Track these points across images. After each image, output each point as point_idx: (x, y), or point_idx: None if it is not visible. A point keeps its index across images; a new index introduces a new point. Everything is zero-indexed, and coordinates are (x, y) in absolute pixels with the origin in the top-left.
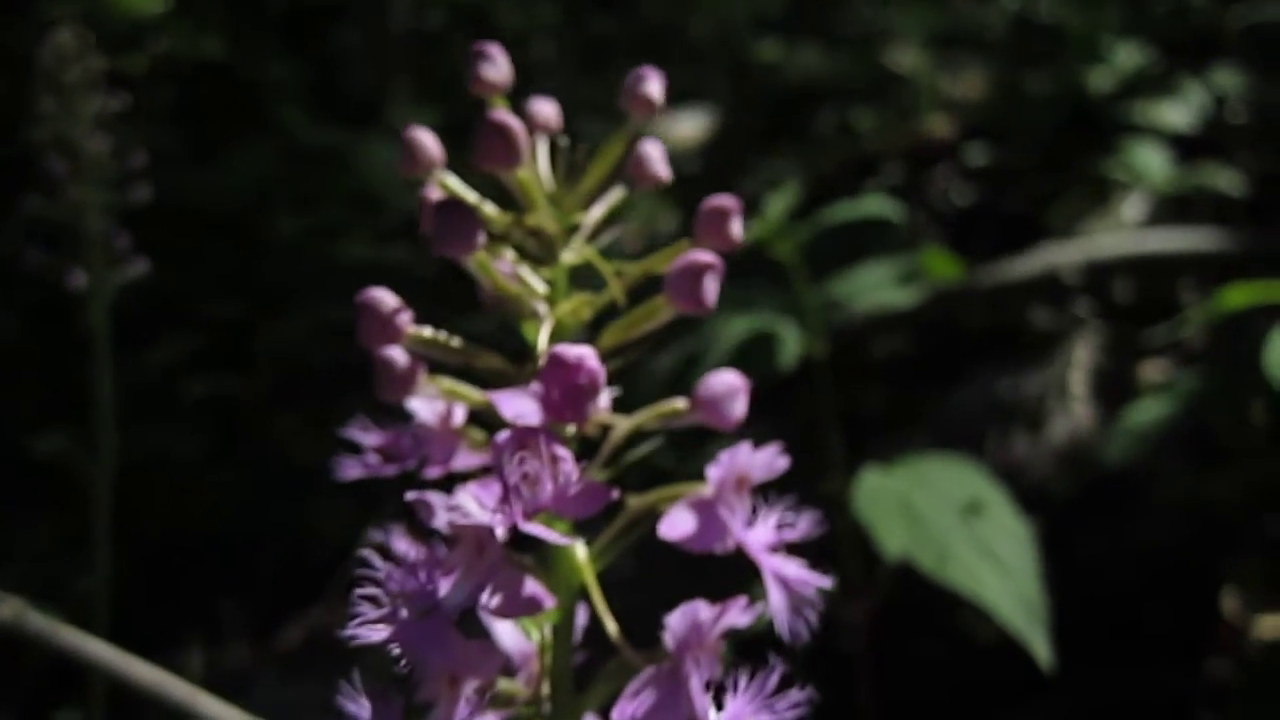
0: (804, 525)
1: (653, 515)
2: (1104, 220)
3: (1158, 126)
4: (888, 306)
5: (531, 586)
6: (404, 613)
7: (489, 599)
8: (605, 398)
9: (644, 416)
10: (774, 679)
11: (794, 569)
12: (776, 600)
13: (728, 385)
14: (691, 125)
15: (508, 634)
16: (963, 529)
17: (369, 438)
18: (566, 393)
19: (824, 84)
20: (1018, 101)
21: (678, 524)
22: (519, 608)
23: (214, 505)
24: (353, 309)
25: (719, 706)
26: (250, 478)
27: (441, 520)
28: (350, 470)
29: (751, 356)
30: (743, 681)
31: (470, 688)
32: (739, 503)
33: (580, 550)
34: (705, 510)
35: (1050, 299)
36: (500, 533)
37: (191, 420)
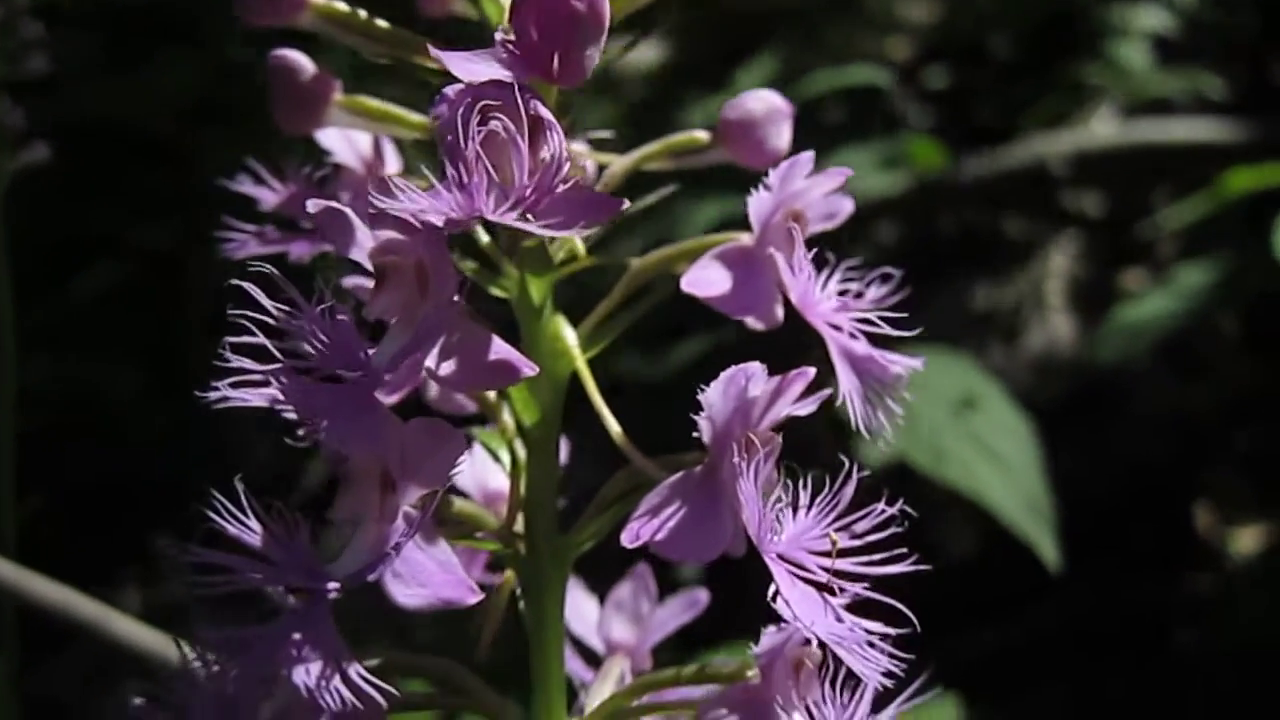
0: (877, 293)
1: (668, 279)
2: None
3: (1135, 29)
4: (869, 193)
5: (501, 348)
6: (308, 377)
7: (438, 361)
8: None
9: (650, 150)
10: (849, 490)
11: (864, 346)
12: (848, 384)
13: (766, 107)
14: (644, 53)
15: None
16: (958, 425)
17: (264, 192)
18: (550, 25)
19: (780, 8)
20: (978, 13)
21: (707, 279)
22: (482, 375)
23: (148, 441)
24: None
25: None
26: (184, 413)
27: (362, 241)
28: (237, 251)
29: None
30: (805, 494)
31: (410, 497)
32: (789, 253)
33: (566, 329)
34: (744, 262)
35: (1037, 193)
36: (446, 230)
37: (121, 354)
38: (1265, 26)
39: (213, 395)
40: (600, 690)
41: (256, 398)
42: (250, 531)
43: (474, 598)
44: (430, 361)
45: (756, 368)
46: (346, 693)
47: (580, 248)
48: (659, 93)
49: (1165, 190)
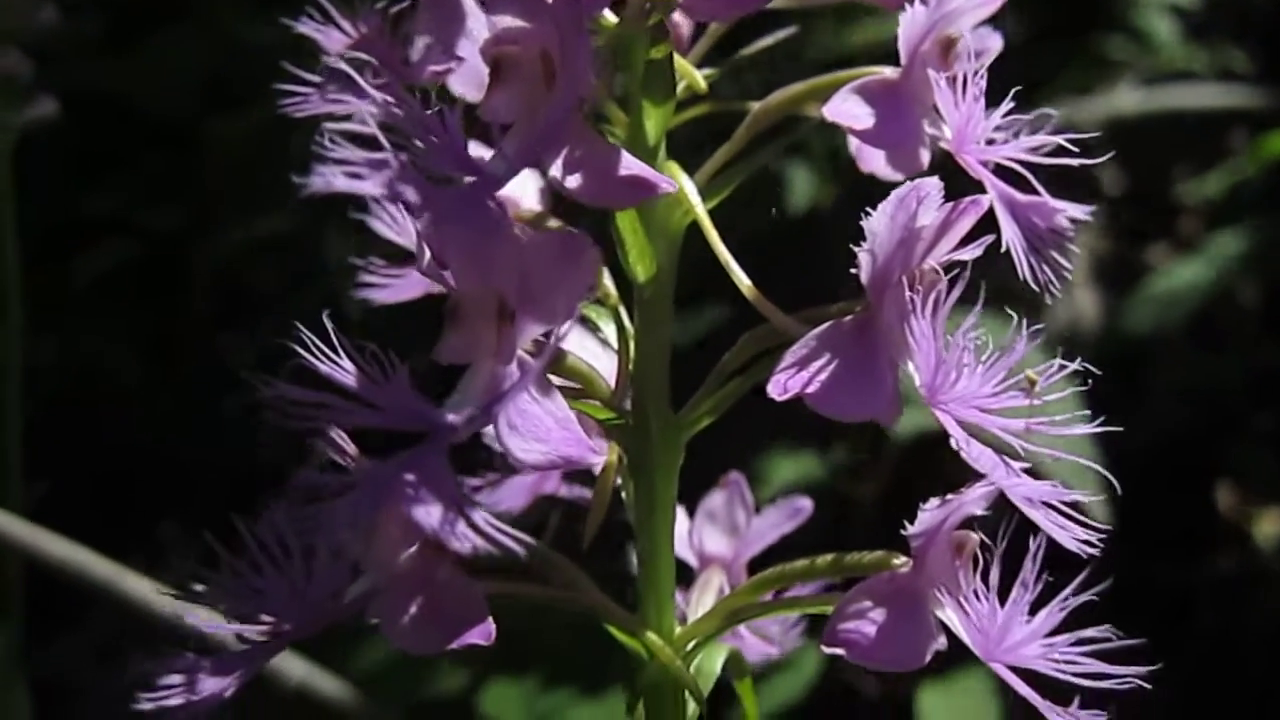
0: (1040, 140)
1: (796, 121)
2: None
3: (1157, 2)
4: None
5: (634, 163)
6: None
7: (563, 172)
8: None
9: None
10: (1021, 346)
11: (1026, 197)
12: (1010, 232)
13: None
14: None
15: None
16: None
17: (331, 34)
18: None
19: None
20: None
21: (849, 110)
22: (613, 189)
23: (154, 425)
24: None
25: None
26: (192, 398)
27: (474, 31)
28: (298, 109)
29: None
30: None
31: (529, 333)
32: (940, 81)
33: (682, 175)
34: (888, 95)
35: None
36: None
37: (126, 336)
38: None
39: (311, 181)
40: (702, 600)
41: (359, 186)
42: (344, 371)
43: (597, 458)
44: (555, 170)
45: (932, 185)
46: (474, 536)
47: (701, 82)
48: None
49: (1188, 165)
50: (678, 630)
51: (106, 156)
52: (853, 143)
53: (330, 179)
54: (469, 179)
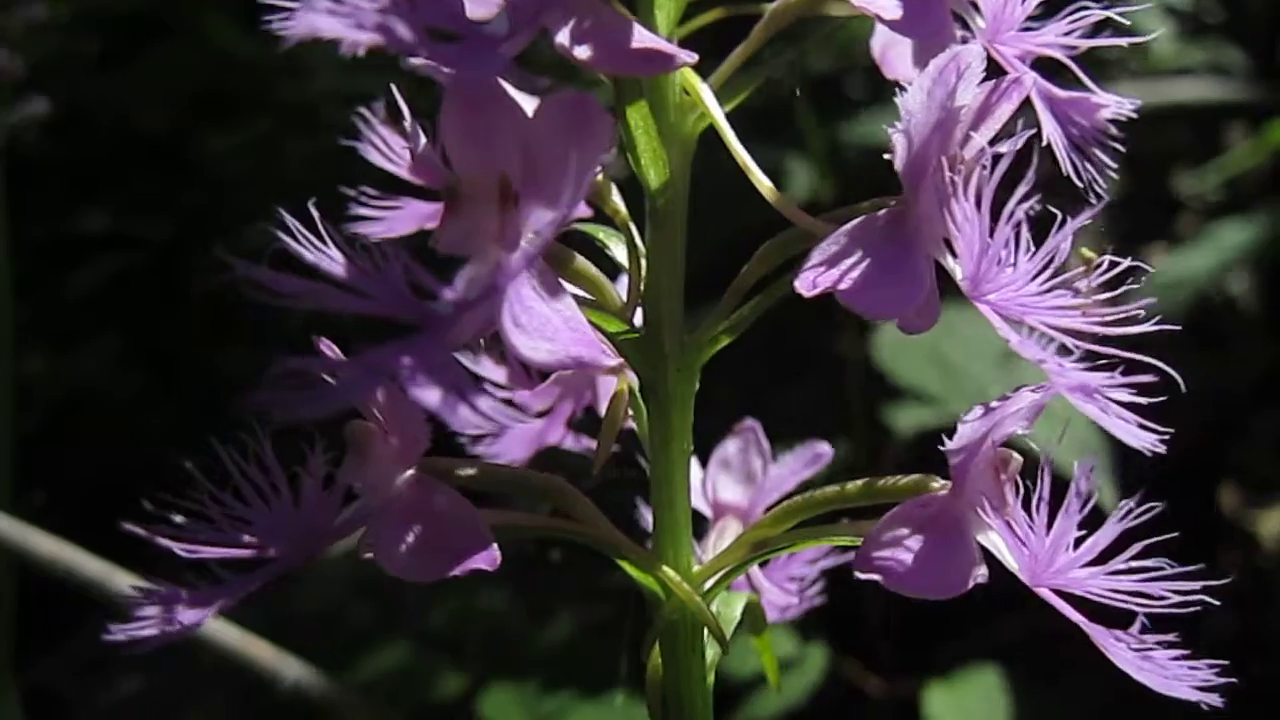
0: (1071, 39)
1: (818, 20)
2: None
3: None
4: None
5: (648, 35)
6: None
7: (570, 38)
8: None
9: None
10: (1064, 241)
11: (1067, 92)
12: (1050, 128)
13: None
14: None
15: None
16: (1002, 376)
17: None
18: None
19: None
20: None
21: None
22: (627, 59)
23: (147, 439)
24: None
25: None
26: (187, 414)
27: None
28: None
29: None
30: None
31: (536, 220)
32: None
33: (695, 79)
34: None
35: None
36: None
37: (121, 352)
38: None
39: (292, 23)
40: (718, 545)
41: (348, 30)
42: (332, 260)
43: (609, 360)
44: (563, 38)
45: (975, 54)
46: (475, 417)
47: None
48: None
49: (1185, 163)
50: (695, 568)
51: (99, 172)
52: (876, 47)
53: (314, 19)
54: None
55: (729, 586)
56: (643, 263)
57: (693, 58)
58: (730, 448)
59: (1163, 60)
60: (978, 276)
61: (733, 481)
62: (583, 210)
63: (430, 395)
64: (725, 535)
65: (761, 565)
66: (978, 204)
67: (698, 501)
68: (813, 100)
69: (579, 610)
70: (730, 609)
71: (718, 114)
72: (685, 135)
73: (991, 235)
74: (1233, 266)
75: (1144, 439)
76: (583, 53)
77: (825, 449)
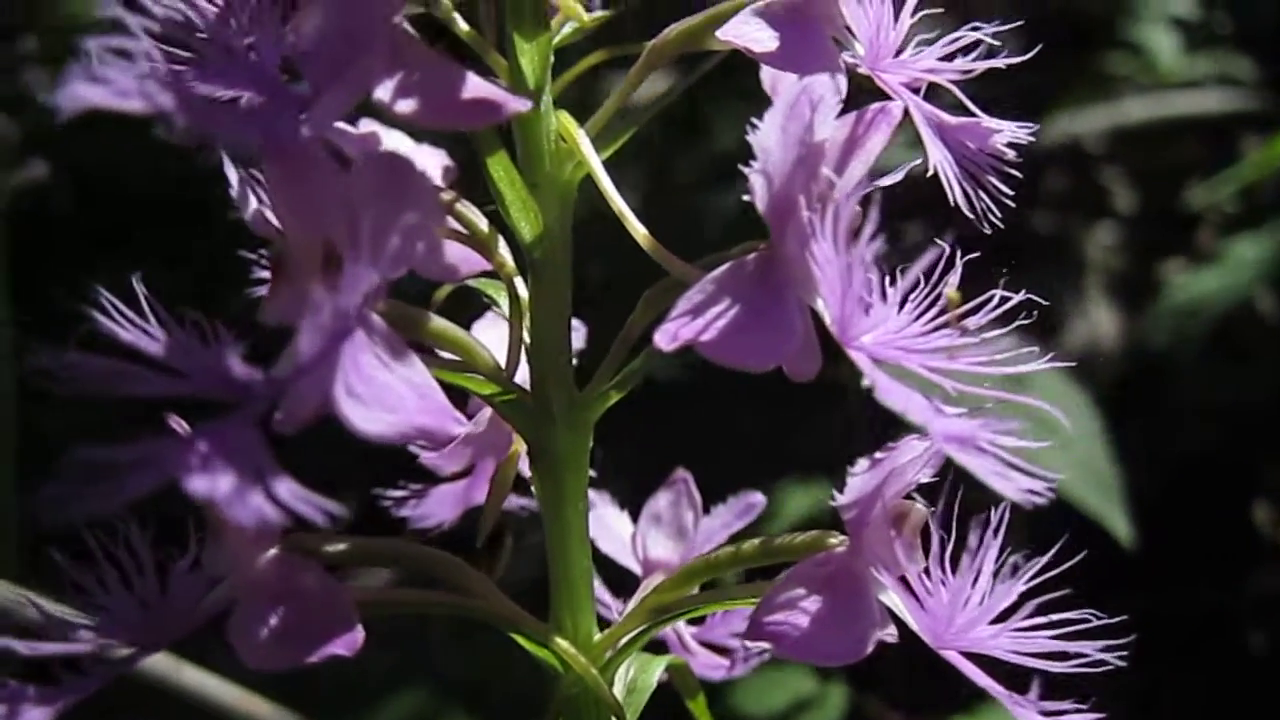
0: (960, 64)
1: (698, 56)
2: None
3: (1161, 13)
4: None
5: (480, 84)
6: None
7: (394, 93)
8: None
9: None
10: (954, 276)
11: (957, 118)
12: (938, 155)
13: None
14: None
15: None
16: (1010, 407)
17: None
18: None
19: None
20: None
21: (747, 33)
22: (453, 112)
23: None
24: None
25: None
26: None
27: None
28: None
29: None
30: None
31: (363, 283)
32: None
33: (572, 125)
34: (792, 16)
35: (1070, 171)
36: None
37: (140, 407)
38: None
39: (62, 96)
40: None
41: (116, 100)
42: (151, 338)
43: (457, 427)
44: (383, 94)
45: (824, 85)
46: (267, 508)
47: (579, 11)
48: None
49: (1199, 175)
50: (596, 637)
51: (108, 230)
52: (767, 80)
53: (84, 92)
54: (271, 98)
55: (646, 647)
56: (525, 318)
57: (525, 105)
58: (661, 501)
59: (1172, 73)
60: (844, 319)
61: (664, 537)
62: (479, 264)
63: (214, 484)
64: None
65: (697, 623)
66: (841, 242)
67: (628, 559)
68: None
69: None
70: (646, 675)
71: (593, 160)
72: (564, 183)
73: (863, 275)
74: (1252, 287)
75: (1025, 488)
76: (405, 107)
77: (758, 498)
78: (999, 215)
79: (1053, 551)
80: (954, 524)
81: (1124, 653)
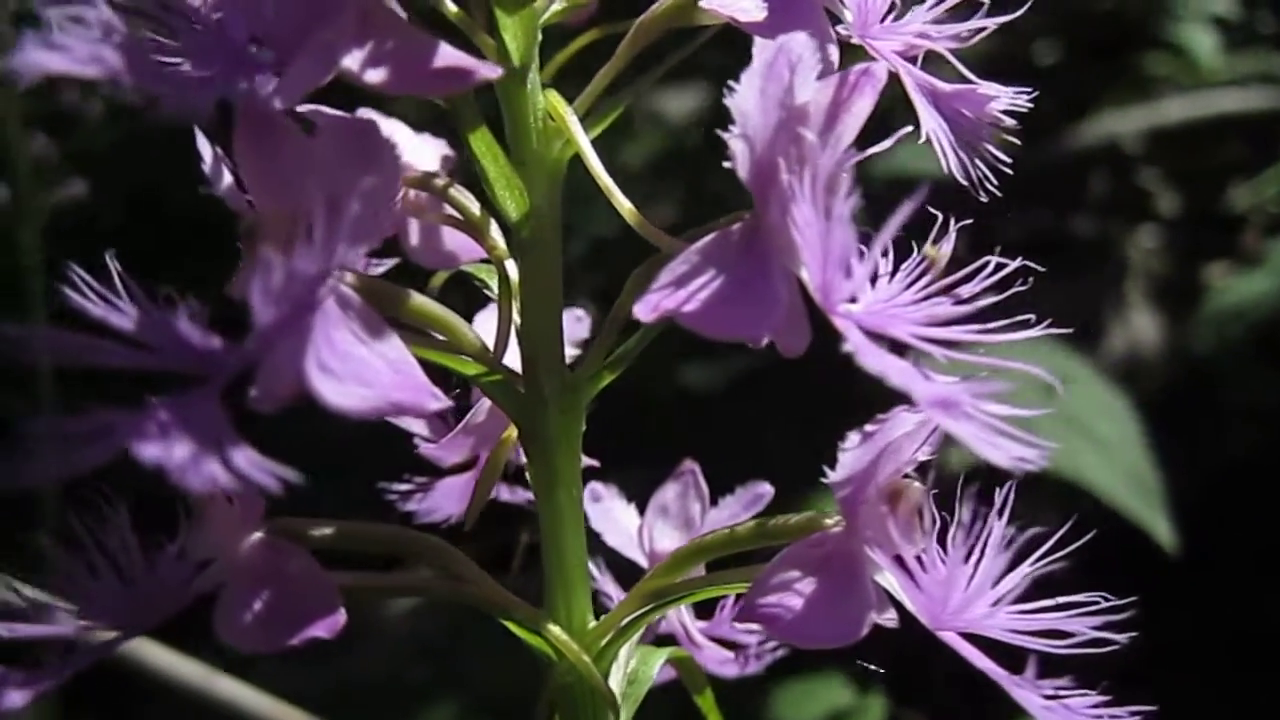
0: (952, 28)
1: (688, 31)
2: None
3: (1201, 13)
4: (915, 173)
5: (450, 52)
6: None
7: (363, 62)
8: None
9: None
10: (946, 246)
11: (951, 85)
12: (931, 123)
13: None
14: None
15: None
16: (1050, 406)
17: None
18: None
19: None
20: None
21: (738, 3)
22: (420, 79)
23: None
24: None
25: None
26: None
27: None
28: None
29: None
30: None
31: (338, 256)
32: None
33: (560, 103)
34: None
35: (1111, 174)
36: None
37: None
38: None
39: (26, 59)
40: None
41: (78, 64)
42: (122, 314)
43: (435, 403)
44: (351, 63)
45: (803, 44)
46: (220, 474)
47: None
48: None
49: (1241, 177)
50: (591, 624)
51: (147, 249)
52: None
53: (40, 58)
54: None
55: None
56: (515, 300)
57: (495, 72)
58: (669, 493)
59: (1213, 73)
60: (826, 284)
61: (670, 529)
62: (477, 252)
63: (169, 452)
64: None
65: (706, 617)
66: (821, 206)
67: (634, 552)
68: None
69: None
70: (648, 666)
71: (581, 137)
72: (552, 161)
73: (843, 239)
74: None
75: (1015, 455)
76: (375, 76)
77: (766, 488)
78: (995, 183)
79: (1059, 534)
80: (958, 503)
81: (1129, 633)
